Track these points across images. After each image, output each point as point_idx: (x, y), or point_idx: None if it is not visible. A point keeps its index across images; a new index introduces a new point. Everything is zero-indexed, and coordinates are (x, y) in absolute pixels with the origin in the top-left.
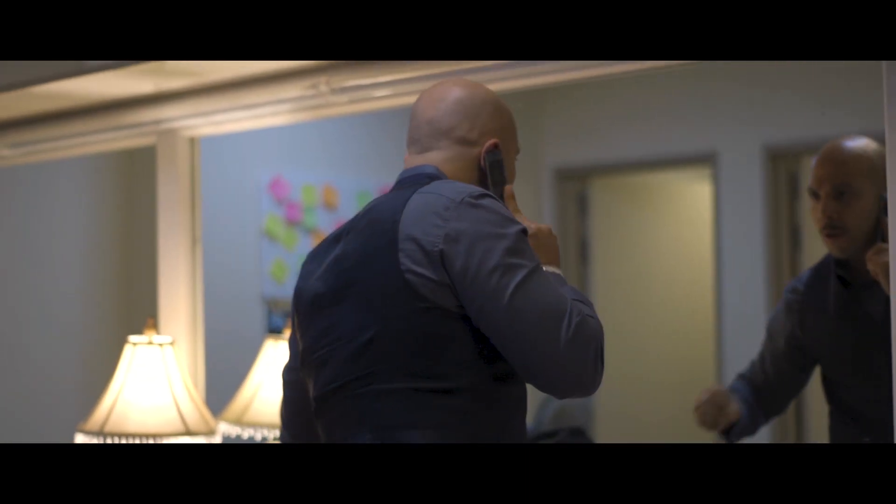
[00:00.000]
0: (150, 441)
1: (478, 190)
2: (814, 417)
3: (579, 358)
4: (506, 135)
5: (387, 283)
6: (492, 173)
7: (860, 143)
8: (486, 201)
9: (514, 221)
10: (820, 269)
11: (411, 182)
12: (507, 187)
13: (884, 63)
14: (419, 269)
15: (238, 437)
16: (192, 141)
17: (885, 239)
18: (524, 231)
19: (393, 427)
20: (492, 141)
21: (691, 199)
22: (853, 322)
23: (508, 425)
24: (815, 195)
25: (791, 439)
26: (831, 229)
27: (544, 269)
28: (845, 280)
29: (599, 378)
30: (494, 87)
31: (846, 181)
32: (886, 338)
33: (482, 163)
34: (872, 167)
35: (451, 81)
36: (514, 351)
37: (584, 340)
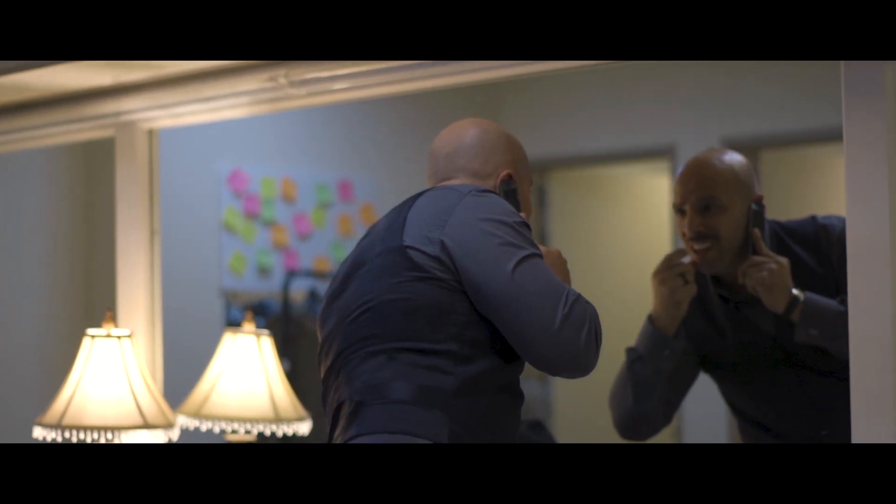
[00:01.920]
0: (109, 434)
1: (485, 187)
2: None
3: (573, 337)
4: (518, 167)
5: (388, 258)
6: (506, 201)
7: (725, 156)
8: (491, 195)
9: (517, 214)
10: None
11: None
12: (521, 215)
13: (842, 63)
14: (420, 246)
15: (196, 429)
16: (151, 133)
17: (756, 252)
18: (527, 225)
19: (374, 384)
20: (506, 171)
21: (650, 192)
22: (749, 340)
23: (490, 395)
24: (680, 211)
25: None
26: (699, 242)
27: None
28: (724, 297)
29: (593, 359)
30: (453, 80)
31: (712, 195)
32: (785, 352)
33: (497, 192)
34: (738, 180)
35: (468, 121)
36: (511, 324)
37: (579, 321)
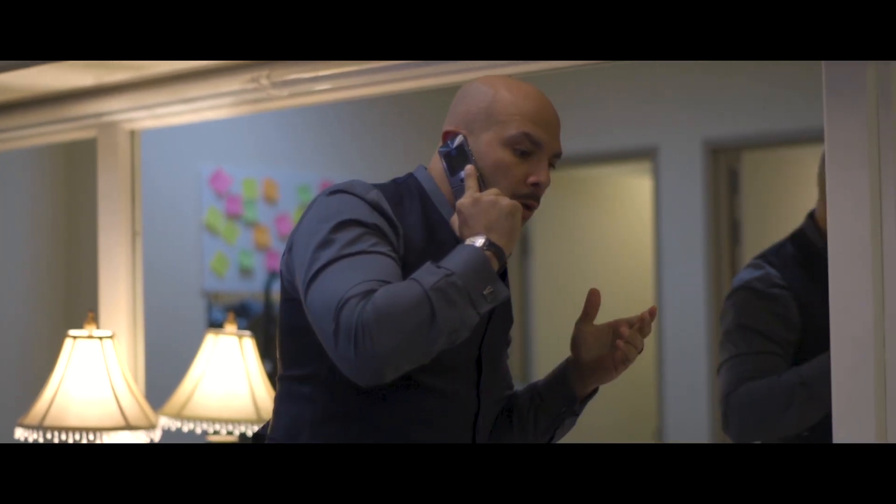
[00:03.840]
0: (90, 435)
1: (339, 186)
2: None
3: (346, 348)
4: (474, 118)
5: (280, 281)
6: (447, 163)
7: None
8: (331, 196)
9: (341, 213)
10: (800, 259)
11: None
12: (468, 167)
13: (823, 64)
14: (283, 267)
15: (178, 430)
16: (133, 134)
17: None
18: (346, 222)
19: (273, 414)
20: (444, 130)
21: (632, 193)
22: None
23: (363, 416)
24: None
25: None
26: None
27: (468, 241)
28: None
29: (375, 364)
30: (434, 81)
31: None
32: None
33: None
34: None
35: None
36: None
37: (346, 331)
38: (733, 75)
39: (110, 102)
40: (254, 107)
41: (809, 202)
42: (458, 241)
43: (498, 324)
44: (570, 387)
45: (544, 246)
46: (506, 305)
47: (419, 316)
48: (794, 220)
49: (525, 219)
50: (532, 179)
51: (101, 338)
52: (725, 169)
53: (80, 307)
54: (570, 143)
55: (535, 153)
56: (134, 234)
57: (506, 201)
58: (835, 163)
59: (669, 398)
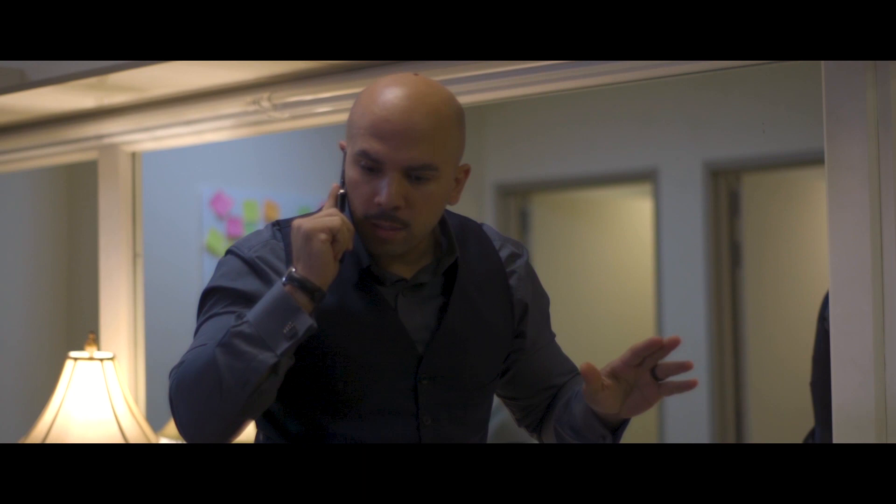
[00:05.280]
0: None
1: (234, 244)
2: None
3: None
4: (347, 131)
5: None
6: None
7: None
8: (223, 257)
9: (211, 280)
10: None
11: None
12: (333, 185)
13: (823, 85)
14: None
15: None
16: (134, 156)
17: None
18: (210, 290)
19: None
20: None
21: (632, 215)
22: None
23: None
24: None
25: (731, 439)
26: None
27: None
28: None
29: (181, 430)
30: None
31: None
32: None
33: None
34: None
35: None
36: None
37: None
38: (733, 97)
39: (111, 124)
40: (255, 129)
41: (809, 223)
42: (360, 275)
43: (451, 343)
44: (603, 422)
45: (544, 268)
46: (459, 319)
47: (208, 378)
48: (794, 242)
49: (389, 240)
50: (375, 199)
51: (101, 359)
52: (726, 191)
53: (81, 329)
54: (570, 165)
55: (380, 169)
56: (135, 256)
57: (305, 226)
58: (835, 184)
59: (670, 419)
